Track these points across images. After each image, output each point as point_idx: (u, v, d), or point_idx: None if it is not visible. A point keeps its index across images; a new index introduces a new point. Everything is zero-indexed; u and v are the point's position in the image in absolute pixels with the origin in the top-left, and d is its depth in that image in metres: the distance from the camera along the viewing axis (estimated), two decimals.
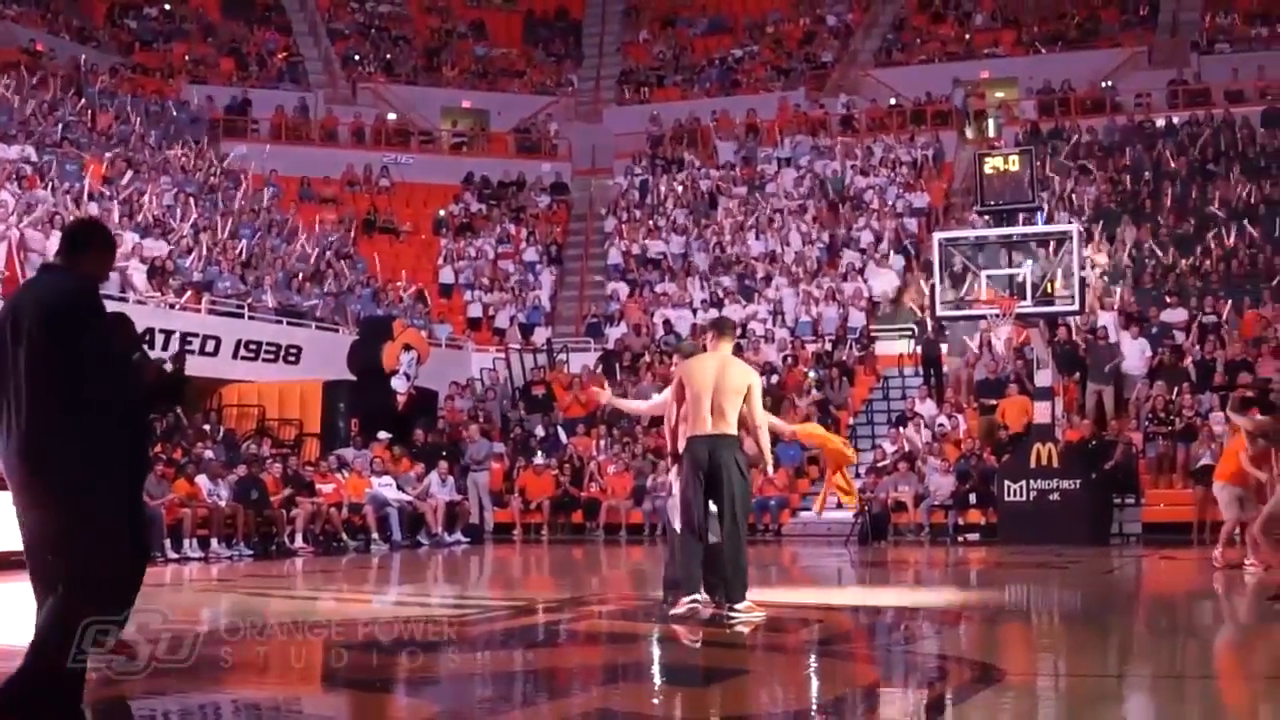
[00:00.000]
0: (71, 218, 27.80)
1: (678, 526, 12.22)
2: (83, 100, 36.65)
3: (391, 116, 45.70)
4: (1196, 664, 10.65)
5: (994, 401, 27.51)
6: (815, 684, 9.43)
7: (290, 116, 43.79)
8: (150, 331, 26.73)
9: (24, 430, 6.31)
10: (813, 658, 10.75)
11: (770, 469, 15.88)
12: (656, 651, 10.98)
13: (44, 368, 6.27)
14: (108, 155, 32.85)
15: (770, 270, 35.84)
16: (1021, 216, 25.71)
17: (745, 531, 12.08)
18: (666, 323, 34.12)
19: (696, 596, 11.68)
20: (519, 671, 9.84)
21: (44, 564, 6.69)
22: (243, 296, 29.25)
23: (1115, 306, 29.61)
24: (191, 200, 32.70)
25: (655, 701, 8.73)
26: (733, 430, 11.76)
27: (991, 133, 43.03)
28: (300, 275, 32.17)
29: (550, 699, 8.76)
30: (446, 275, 38.53)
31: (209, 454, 24.36)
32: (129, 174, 32.22)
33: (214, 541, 22.71)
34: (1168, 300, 29.92)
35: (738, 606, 11.65)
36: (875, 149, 40.70)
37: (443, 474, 26.73)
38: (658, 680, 9.70)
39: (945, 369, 30.12)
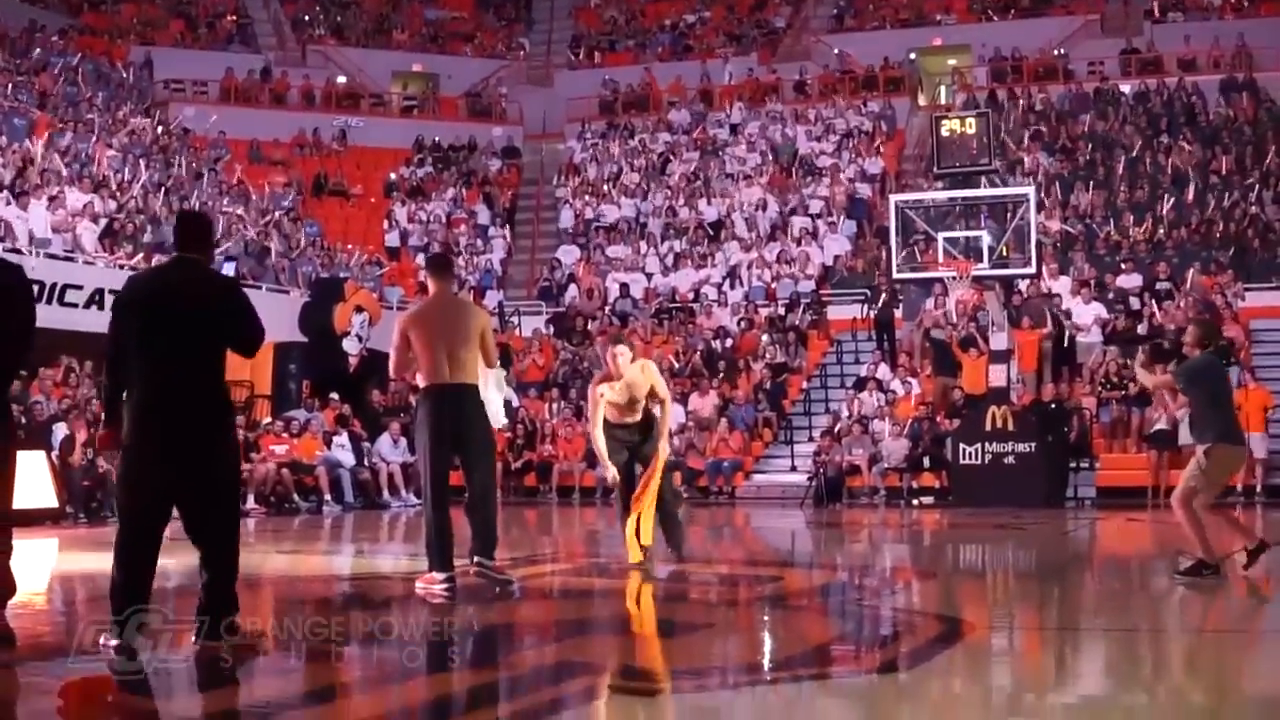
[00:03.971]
0: (16, 175, 27.55)
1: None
2: (32, 60, 36.36)
3: (341, 79, 45.39)
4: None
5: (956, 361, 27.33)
6: (781, 640, 9.35)
7: (240, 79, 43.39)
8: (99, 292, 26.48)
9: (202, 376, 8.04)
10: (778, 615, 10.67)
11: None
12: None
13: (224, 330, 8.13)
14: (55, 115, 32.56)
15: (723, 235, 35.77)
16: (980, 180, 25.61)
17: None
18: (623, 286, 34.01)
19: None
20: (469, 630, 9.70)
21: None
22: None
23: (1070, 273, 29.67)
24: (141, 162, 32.37)
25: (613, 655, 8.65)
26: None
27: (943, 99, 43.23)
28: (252, 237, 31.86)
29: (510, 654, 8.67)
30: (393, 238, 38.28)
31: None
32: (69, 135, 31.83)
33: None
34: (1122, 266, 29.96)
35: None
36: (827, 114, 40.61)
37: (395, 435, 26.54)
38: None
39: (899, 333, 30.06)
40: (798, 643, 9.11)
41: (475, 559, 10.50)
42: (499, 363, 11.39)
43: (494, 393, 11.35)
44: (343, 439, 26.08)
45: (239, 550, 8.28)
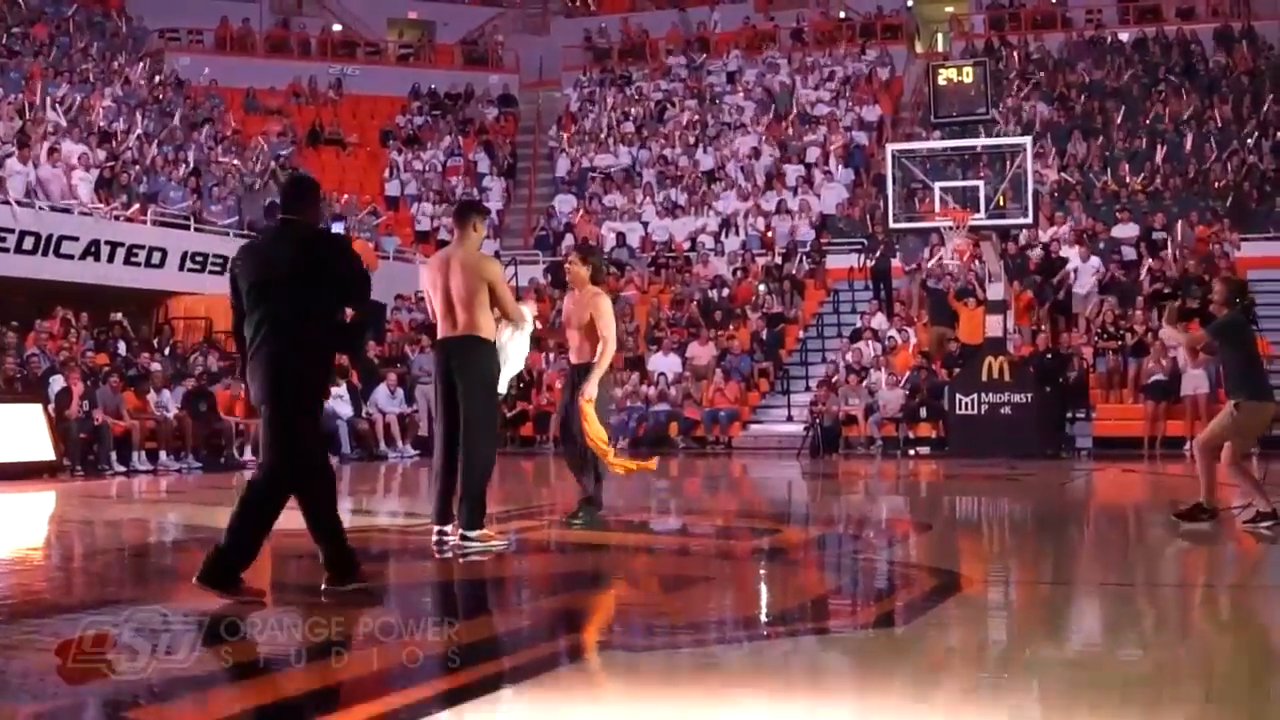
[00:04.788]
0: (15, 128, 27.45)
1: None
2: (25, 11, 36.19)
3: (337, 27, 45.25)
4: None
5: (953, 311, 27.32)
6: (778, 593, 9.36)
7: (235, 28, 43.20)
8: (95, 244, 26.49)
9: (302, 334, 8.11)
10: (775, 568, 10.67)
11: None
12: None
13: (326, 287, 8.13)
14: (50, 66, 32.45)
15: (719, 183, 35.73)
16: (977, 129, 25.54)
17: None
18: (620, 235, 34.01)
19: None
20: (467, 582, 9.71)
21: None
22: (190, 208, 28.94)
23: (1066, 222, 29.63)
24: (137, 113, 32.29)
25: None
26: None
27: (941, 47, 43.09)
28: (250, 187, 31.78)
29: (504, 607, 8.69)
30: (393, 187, 38.23)
31: (155, 366, 24.17)
32: (65, 86, 31.73)
33: (162, 454, 22.60)
34: (1119, 216, 29.94)
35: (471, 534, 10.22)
36: (825, 62, 40.48)
37: (392, 386, 26.57)
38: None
39: (895, 283, 30.05)
40: (794, 596, 9.13)
41: (460, 533, 10.21)
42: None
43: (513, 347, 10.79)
44: (340, 390, 26.07)
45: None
